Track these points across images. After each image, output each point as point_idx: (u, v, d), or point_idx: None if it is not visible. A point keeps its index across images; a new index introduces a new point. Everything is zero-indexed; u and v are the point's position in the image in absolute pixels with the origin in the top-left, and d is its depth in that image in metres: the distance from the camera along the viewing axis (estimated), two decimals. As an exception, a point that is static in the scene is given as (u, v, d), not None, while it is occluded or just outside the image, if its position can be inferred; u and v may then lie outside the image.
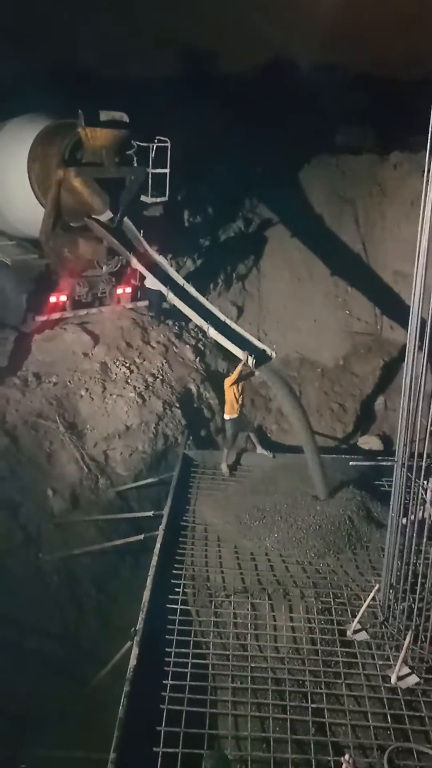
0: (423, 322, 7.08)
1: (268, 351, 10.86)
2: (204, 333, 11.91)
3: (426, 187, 6.85)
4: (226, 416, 11.18)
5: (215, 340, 11.54)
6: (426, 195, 6.89)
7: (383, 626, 8.08)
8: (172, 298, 11.80)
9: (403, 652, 7.33)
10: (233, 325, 11.52)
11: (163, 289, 11.97)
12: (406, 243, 16.91)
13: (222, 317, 11.62)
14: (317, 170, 18.54)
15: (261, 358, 10.75)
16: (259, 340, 14.08)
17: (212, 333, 11.26)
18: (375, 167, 18.33)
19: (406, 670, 7.39)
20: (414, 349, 7.47)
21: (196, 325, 12.70)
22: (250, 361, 10.42)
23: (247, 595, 8.52)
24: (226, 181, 17.56)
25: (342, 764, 5.67)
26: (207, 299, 12.73)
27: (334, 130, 20.50)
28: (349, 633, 7.95)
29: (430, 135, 6.56)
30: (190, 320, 12.17)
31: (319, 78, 24.13)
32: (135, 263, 12.59)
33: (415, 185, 17.05)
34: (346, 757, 5.72)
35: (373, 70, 22.91)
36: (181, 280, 12.39)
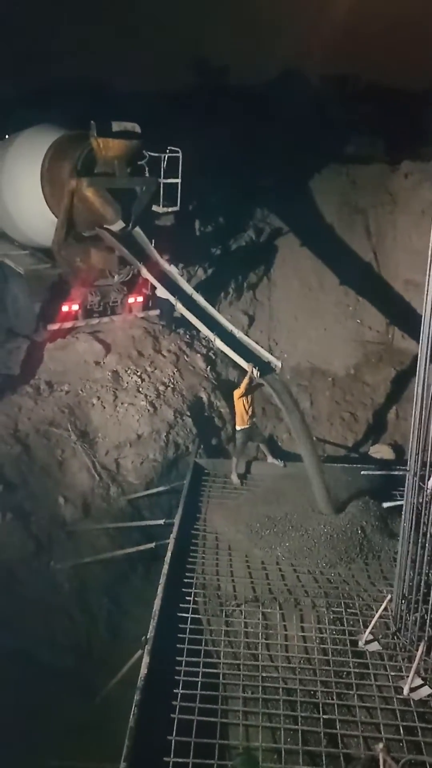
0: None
1: (274, 362, 10.81)
2: (213, 343, 11.94)
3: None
4: (237, 427, 11.23)
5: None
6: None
7: (395, 637, 8.02)
8: (181, 308, 11.84)
9: (416, 663, 7.27)
10: (241, 336, 11.54)
11: (172, 299, 12.03)
12: (418, 252, 16.91)
13: (230, 327, 11.64)
14: (328, 180, 18.58)
15: (267, 369, 10.73)
16: (270, 350, 14.17)
17: (218, 344, 11.28)
18: (386, 177, 18.35)
19: (418, 681, 7.33)
20: (426, 358, 7.46)
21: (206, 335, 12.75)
22: (255, 372, 10.39)
23: (258, 605, 8.49)
24: (237, 191, 17.64)
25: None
26: (218, 308, 12.81)
27: (345, 139, 20.57)
28: (360, 643, 7.89)
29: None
30: (200, 330, 12.23)
31: (330, 88, 24.29)
32: (145, 273, 12.66)
33: (425, 194, 17.11)
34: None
35: (384, 79, 23.03)
36: (190, 290, 12.43)
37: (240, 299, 17.03)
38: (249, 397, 10.88)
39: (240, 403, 10.89)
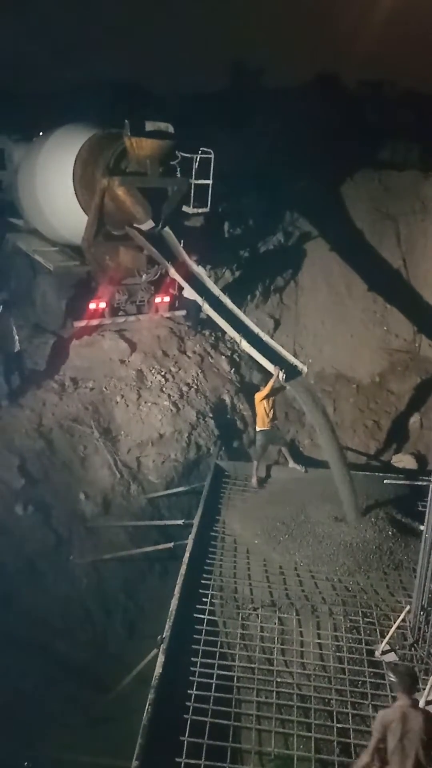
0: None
1: (300, 366, 10.77)
2: (239, 345, 11.93)
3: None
4: (257, 428, 11.21)
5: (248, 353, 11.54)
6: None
7: (413, 648, 7.93)
8: (207, 309, 11.84)
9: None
10: (267, 339, 11.49)
11: (199, 300, 12.03)
12: (448, 261, 16.78)
13: (256, 330, 11.59)
14: (360, 185, 18.45)
15: (293, 373, 10.68)
16: (295, 354, 14.10)
17: (244, 346, 11.25)
18: (419, 184, 18.17)
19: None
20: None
21: (232, 337, 12.75)
22: (281, 375, 10.36)
23: (274, 609, 8.45)
24: (267, 193, 17.61)
25: None
26: (244, 311, 12.76)
27: (379, 145, 20.44)
28: (377, 653, 7.82)
29: None
30: (226, 331, 12.22)
31: (366, 93, 24.17)
32: (173, 273, 12.69)
33: (459, 203, 16.93)
34: None
35: (421, 85, 22.85)
36: (217, 291, 12.42)
37: (267, 302, 17.00)
38: (271, 399, 10.85)
39: (261, 406, 10.87)
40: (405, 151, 20.47)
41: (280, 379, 10.38)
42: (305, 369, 10.74)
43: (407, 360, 16.63)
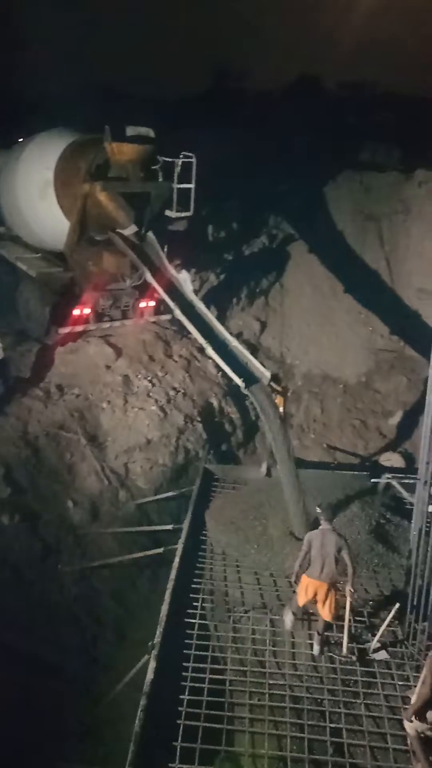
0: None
1: (264, 374, 10.52)
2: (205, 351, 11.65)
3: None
4: None
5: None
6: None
7: (404, 646, 7.94)
8: (178, 314, 11.71)
9: (425, 672, 7.17)
10: (236, 345, 11.23)
11: (171, 304, 11.90)
12: (430, 261, 16.88)
13: (225, 336, 11.36)
14: (342, 187, 18.56)
15: (253, 380, 10.32)
16: (282, 356, 14.14)
17: (210, 352, 11.07)
18: (400, 185, 18.29)
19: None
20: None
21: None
22: (239, 382, 10.18)
23: (266, 611, 8.43)
24: (251, 197, 17.66)
25: None
26: (230, 314, 12.75)
27: (360, 147, 20.56)
28: (369, 652, 7.81)
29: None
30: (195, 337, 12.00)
31: (346, 94, 24.32)
32: (148, 277, 12.56)
33: (439, 202, 17.05)
34: None
35: (401, 87, 23.02)
36: (191, 296, 12.28)
37: (252, 305, 17.03)
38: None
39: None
40: (386, 153, 20.60)
41: (240, 384, 10.21)
42: (268, 376, 10.50)
43: (393, 359, 16.70)
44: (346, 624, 7.75)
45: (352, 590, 7.73)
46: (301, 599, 7.86)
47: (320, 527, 7.74)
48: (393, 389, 16.04)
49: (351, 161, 19.40)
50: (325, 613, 7.76)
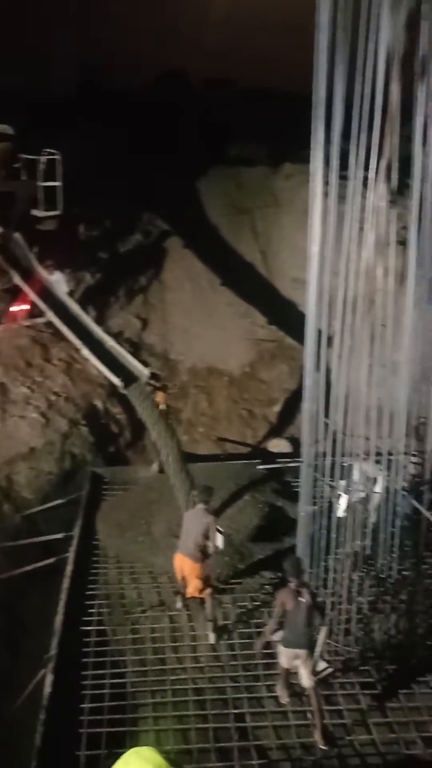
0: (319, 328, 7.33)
1: (143, 372, 10.53)
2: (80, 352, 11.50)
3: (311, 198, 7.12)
4: None
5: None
6: (312, 204, 7.17)
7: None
8: (51, 316, 11.48)
9: (318, 648, 7.41)
10: (112, 345, 11.16)
11: (43, 307, 11.64)
12: (303, 251, 17.42)
13: (101, 336, 11.25)
14: (214, 182, 18.82)
15: (132, 379, 10.41)
16: (166, 352, 14.10)
17: (85, 354, 10.98)
18: (269, 178, 18.79)
19: (323, 665, 7.49)
20: (312, 353, 7.69)
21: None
22: (116, 382, 10.14)
23: (163, 609, 8.42)
24: (123, 193, 17.48)
25: None
26: (109, 313, 12.57)
27: (229, 142, 20.88)
28: (268, 635, 7.97)
29: (311, 146, 6.84)
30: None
31: (213, 91, 24.58)
32: (17, 280, 12.18)
33: (306, 195, 17.61)
34: None
35: (266, 82, 23.49)
36: (64, 297, 12.05)
37: (132, 303, 16.86)
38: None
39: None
40: (254, 147, 21.06)
41: (118, 385, 10.16)
42: (147, 374, 10.50)
43: (274, 348, 17.14)
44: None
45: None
46: (178, 576, 8.09)
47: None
48: (276, 377, 16.47)
49: (221, 157, 19.69)
50: (189, 589, 7.97)
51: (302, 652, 6.74)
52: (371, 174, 6.85)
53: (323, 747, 6.63)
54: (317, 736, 6.69)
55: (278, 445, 14.83)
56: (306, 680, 6.78)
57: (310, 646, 6.77)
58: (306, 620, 6.68)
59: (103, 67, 22.36)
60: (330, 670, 7.41)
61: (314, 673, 6.92)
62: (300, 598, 6.73)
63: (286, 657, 6.88)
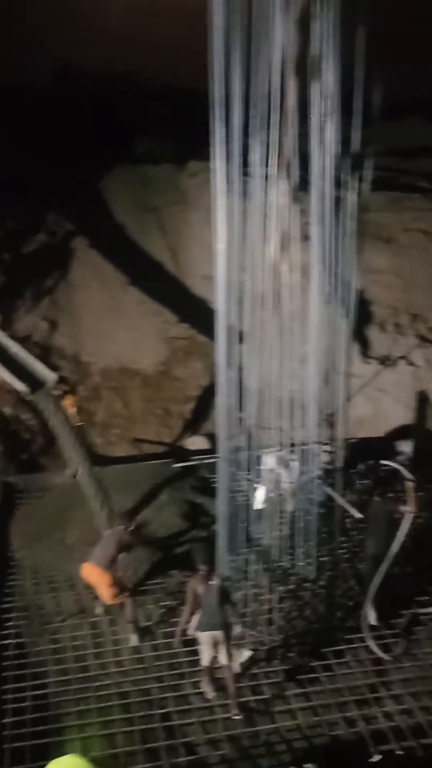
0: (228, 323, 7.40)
1: (48, 377, 10.20)
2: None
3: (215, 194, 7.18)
4: None
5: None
6: (215, 202, 7.24)
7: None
8: None
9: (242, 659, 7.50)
10: (16, 348, 10.71)
11: None
12: (212, 248, 17.54)
13: (6, 342, 10.71)
14: (119, 180, 18.58)
15: (38, 384, 10.05)
16: (77, 354, 13.77)
17: None
18: (176, 175, 18.77)
19: (247, 654, 7.58)
20: (223, 348, 7.74)
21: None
22: (21, 388, 9.82)
23: (83, 616, 8.29)
24: (24, 193, 16.97)
25: None
26: (15, 317, 12.16)
27: (134, 139, 20.69)
28: (190, 632, 7.98)
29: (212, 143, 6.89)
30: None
31: (114, 87, 24.24)
32: None
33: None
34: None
35: (170, 79, 23.38)
36: None
37: (39, 305, 16.42)
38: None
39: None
40: (160, 144, 20.96)
41: (22, 390, 9.83)
42: (54, 378, 10.18)
43: (187, 345, 17.16)
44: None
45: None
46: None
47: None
48: (190, 375, 16.50)
49: (126, 155, 19.48)
50: (104, 598, 7.95)
51: (219, 633, 6.87)
52: (271, 171, 6.97)
53: (237, 716, 6.88)
54: (232, 706, 6.91)
55: (195, 442, 14.89)
56: (224, 658, 6.96)
57: (226, 627, 6.92)
58: (218, 600, 6.93)
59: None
60: (250, 654, 7.55)
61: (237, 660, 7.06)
62: (210, 582, 7.08)
63: (206, 645, 6.96)
